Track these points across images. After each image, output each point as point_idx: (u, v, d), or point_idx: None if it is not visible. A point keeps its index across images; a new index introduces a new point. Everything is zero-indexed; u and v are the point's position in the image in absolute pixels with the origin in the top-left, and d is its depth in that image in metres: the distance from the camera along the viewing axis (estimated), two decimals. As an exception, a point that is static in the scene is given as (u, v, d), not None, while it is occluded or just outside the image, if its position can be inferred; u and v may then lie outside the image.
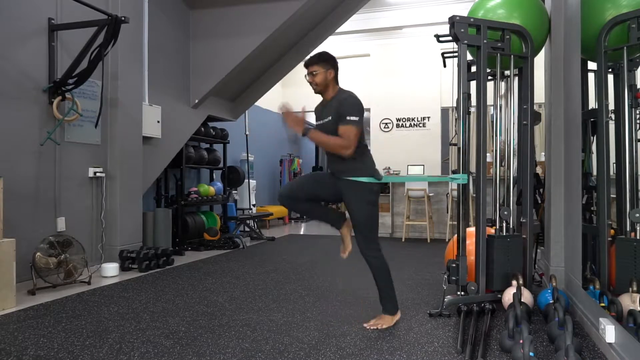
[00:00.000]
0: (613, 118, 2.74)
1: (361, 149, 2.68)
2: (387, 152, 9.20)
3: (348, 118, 2.57)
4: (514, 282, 2.89)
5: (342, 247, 2.88)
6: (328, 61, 2.70)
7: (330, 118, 2.66)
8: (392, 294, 2.76)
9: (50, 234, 3.82)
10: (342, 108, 2.60)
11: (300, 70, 8.51)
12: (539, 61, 3.60)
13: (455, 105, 3.20)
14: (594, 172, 2.91)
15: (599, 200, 2.69)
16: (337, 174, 2.72)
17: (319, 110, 2.80)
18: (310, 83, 2.71)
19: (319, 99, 2.82)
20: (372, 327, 2.69)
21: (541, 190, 3.93)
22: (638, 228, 2.52)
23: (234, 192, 7.34)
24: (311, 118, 3.34)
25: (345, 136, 2.57)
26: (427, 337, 2.56)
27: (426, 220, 6.70)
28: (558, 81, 3.33)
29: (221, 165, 6.99)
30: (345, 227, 2.83)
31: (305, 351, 2.33)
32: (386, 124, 9.47)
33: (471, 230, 3.23)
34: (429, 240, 6.63)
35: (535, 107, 3.45)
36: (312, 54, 2.76)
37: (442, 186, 7.03)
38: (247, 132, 8.00)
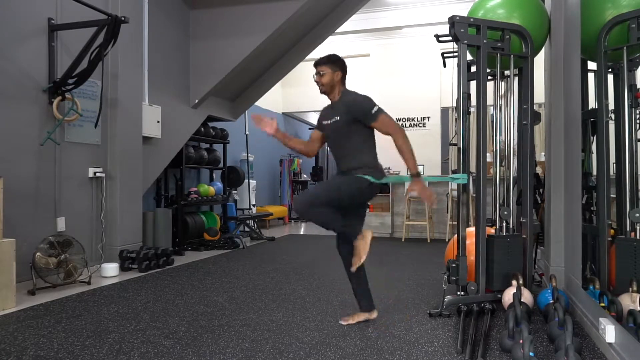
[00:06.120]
0: (613, 118, 2.75)
1: (371, 144, 2.71)
2: (387, 152, 9.11)
3: (372, 112, 2.61)
4: (514, 282, 2.89)
5: (354, 260, 2.65)
6: (336, 63, 2.73)
7: (338, 118, 2.68)
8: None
9: (50, 234, 3.82)
10: (357, 108, 2.64)
11: (300, 70, 8.55)
12: (539, 61, 3.60)
13: (455, 105, 3.21)
14: (594, 172, 2.91)
15: (599, 200, 2.69)
16: (347, 172, 2.68)
17: (327, 111, 2.81)
18: (317, 83, 2.74)
19: (317, 98, 2.82)
20: (366, 324, 2.70)
21: (541, 190, 3.93)
22: (638, 228, 2.52)
23: (234, 192, 7.34)
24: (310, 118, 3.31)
25: (388, 128, 2.61)
26: (427, 337, 2.56)
27: (426, 220, 6.71)
28: (558, 81, 3.32)
29: (221, 165, 6.98)
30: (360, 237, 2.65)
31: (305, 351, 2.33)
32: (386, 124, 9.46)
33: (471, 230, 3.23)
34: (429, 240, 6.63)
35: (535, 107, 3.45)
36: (322, 55, 2.78)
37: (442, 186, 7.03)
38: (247, 132, 8.00)
